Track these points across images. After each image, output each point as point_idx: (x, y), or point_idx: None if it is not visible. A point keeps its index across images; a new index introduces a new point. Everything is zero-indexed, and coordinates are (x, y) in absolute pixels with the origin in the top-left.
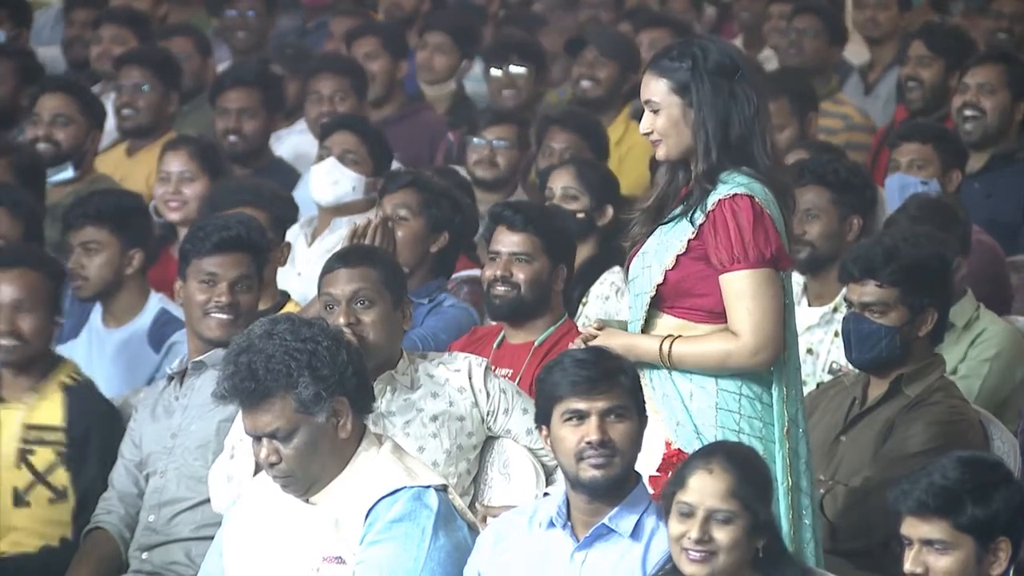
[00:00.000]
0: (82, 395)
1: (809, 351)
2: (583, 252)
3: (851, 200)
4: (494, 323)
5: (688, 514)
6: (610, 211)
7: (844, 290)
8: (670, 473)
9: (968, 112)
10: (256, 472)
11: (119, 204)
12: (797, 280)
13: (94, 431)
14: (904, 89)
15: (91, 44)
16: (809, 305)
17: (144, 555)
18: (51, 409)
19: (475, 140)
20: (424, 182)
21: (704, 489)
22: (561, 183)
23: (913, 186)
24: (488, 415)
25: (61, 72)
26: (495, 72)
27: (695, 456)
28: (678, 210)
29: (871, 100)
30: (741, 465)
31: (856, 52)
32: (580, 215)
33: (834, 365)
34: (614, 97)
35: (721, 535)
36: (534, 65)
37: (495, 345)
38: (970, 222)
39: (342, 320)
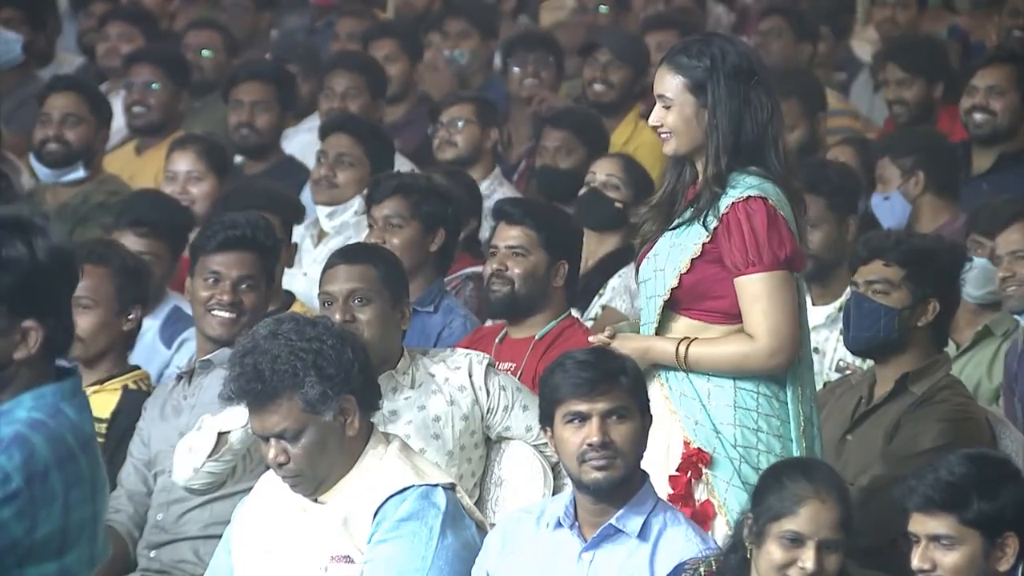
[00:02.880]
0: (138, 399)
1: (815, 350)
2: (609, 244)
3: (845, 202)
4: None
5: (797, 543)
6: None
7: (849, 287)
8: (692, 472)
9: (978, 116)
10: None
11: (171, 217)
12: (802, 283)
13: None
14: (891, 112)
15: (98, 42)
16: (813, 304)
17: (152, 553)
18: (105, 403)
19: (428, 130)
20: (409, 184)
21: (819, 520)
22: (606, 171)
23: (880, 207)
24: (488, 413)
25: (73, 69)
26: (515, 69)
27: (794, 480)
28: (688, 213)
29: (880, 97)
30: (843, 491)
31: (866, 50)
32: (618, 204)
33: (840, 363)
34: (626, 99)
35: (830, 563)
36: (553, 60)
37: (497, 340)
38: None
39: (338, 317)
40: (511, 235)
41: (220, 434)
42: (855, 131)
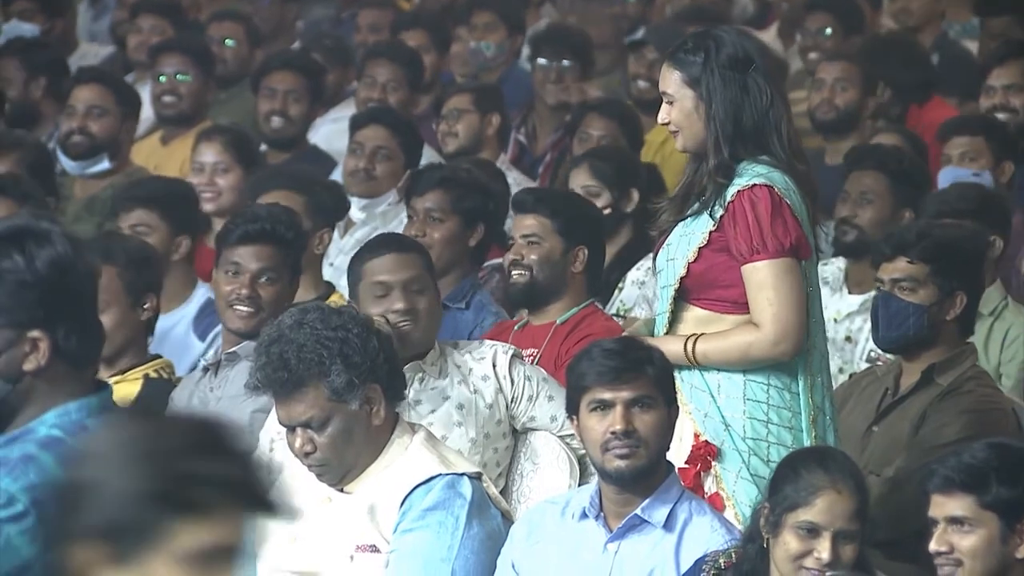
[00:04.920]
0: (159, 387)
1: (848, 339)
2: (619, 239)
3: (907, 192)
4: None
5: (813, 533)
6: (635, 194)
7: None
8: (701, 464)
9: (1000, 115)
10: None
11: (169, 189)
12: (839, 265)
13: None
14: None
15: (129, 32)
16: (849, 292)
17: None
18: (126, 393)
19: (433, 125)
20: (452, 178)
21: (835, 511)
22: (580, 182)
23: (965, 179)
24: (512, 402)
25: (100, 61)
26: (542, 62)
27: (810, 470)
28: (697, 204)
29: None
30: (860, 481)
31: None
32: (607, 211)
33: (872, 354)
34: None
35: (846, 553)
36: (580, 61)
37: (516, 327)
38: (1011, 207)
39: (400, 305)
40: (525, 224)
41: None
42: None
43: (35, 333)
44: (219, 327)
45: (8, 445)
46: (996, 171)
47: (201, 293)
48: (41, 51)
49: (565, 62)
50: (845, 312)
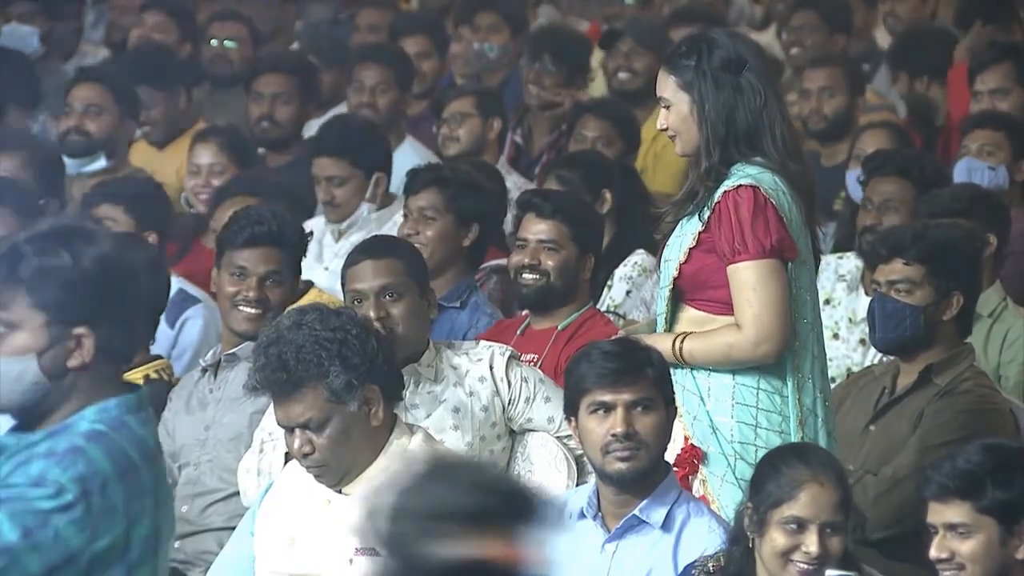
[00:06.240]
0: (160, 389)
1: (862, 342)
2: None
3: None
4: (521, 313)
5: (799, 527)
6: (608, 195)
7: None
8: (688, 468)
9: None
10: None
11: (136, 187)
12: (858, 264)
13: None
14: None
15: (131, 28)
16: (866, 293)
17: (177, 544)
18: None
19: (433, 128)
20: (446, 177)
21: (819, 503)
22: None
23: (980, 171)
24: (509, 404)
25: (98, 60)
26: (527, 64)
27: (790, 466)
28: (691, 206)
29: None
30: (840, 473)
31: (888, 40)
32: None
33: (886, 358)
34: (652, 87)
35: (833, 545)
36: (566, 65)
37: (518, 331)
38: (1009, 207)
39: (372, 314)
40: (542, 229)
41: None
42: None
43: (80, 330)
44: (186, 313)
45: (51, 438)
46: (1013, 168)
47: (172, 285)
48: None
49: (549, 64)
50: (861, 315)
